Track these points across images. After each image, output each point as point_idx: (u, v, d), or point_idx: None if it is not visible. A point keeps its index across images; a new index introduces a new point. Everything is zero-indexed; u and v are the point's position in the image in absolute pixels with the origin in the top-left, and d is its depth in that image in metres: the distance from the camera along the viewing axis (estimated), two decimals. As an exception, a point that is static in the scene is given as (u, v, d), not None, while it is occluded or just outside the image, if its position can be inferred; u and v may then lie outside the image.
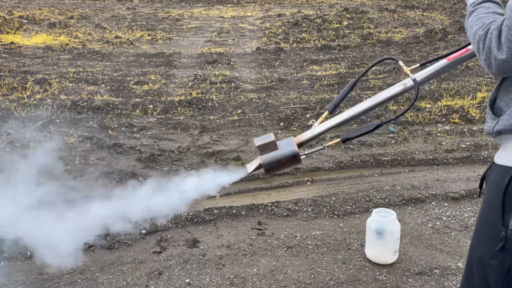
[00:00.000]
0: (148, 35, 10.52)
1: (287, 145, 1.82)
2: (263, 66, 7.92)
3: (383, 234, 2.81)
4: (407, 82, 1.78)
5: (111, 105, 5.66)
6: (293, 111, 5.53)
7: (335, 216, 3.42)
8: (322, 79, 6.96)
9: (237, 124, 5.25)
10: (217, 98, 6.10)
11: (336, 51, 8.84)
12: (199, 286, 2.70)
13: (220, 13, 14.10)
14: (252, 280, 2.74)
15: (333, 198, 3.62)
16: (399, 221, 2.94)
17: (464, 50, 1.69)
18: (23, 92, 6.10)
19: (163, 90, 6.43)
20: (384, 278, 2.75)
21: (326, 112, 1.94)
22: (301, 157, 1.82)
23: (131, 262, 2.88)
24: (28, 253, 2.90)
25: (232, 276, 2.77)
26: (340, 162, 4.26)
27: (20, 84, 6.33)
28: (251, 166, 1.87)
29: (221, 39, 10.26)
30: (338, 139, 1.85)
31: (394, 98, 1.84)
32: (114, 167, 4.10)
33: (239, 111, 5.66)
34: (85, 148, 4.50)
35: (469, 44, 1.58)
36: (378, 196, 3.64)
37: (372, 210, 3.01)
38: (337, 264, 2.89)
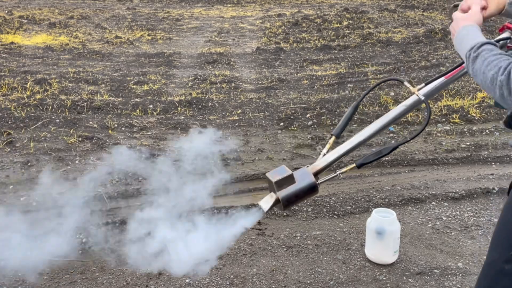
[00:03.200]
0: (148, 35, 10.52)
1: (304, 177, 1.75)
2: (263, 66, 7.92)
3: (383, 234, 2.81)
4: (412, 100, 1.80)
5: (111, 105, 5.66)
6: (293, 111, 5.53)
7: (335, 216, 3.42)
8: (322, 79, 6.96)
9: (237, 124, 5.25)
10: (217, 98, 6.10)
11: (336, 51, 8.84)
12: (199, 286, 2.70)
13: (220, 13, 14.09)
14: (252, 280, 2.74)
15: (333, 198, 3.63)
16: (399, 221, 2.94)
17: (459, 68, 1.75)
18: (23, 92, 6.10)
19: (163, 90, 6.43)
20: (384, 278, 2.75)
21: (333, 138, 1.89)
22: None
23: (131, 262, 2.88)
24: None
25: (232, 276, 2.77)
26: (340, 162, 4.25)
27: (20, 84, 6.33)
28: (266, 204, 1.75)
29: (221, 39, 10.26)
30: (353, 165, 1.80)
31: (401, 117, 1.84)
32: (115, 167, 4.10)
33: (239, 111, 5.66)
34: (85, 148, 4.50)
35: (463, 63, 1.56)
36: (378, 196, 3.64)
37: (372, 210, 3.01)
38: (337, 264, 2.89)
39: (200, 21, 12.64)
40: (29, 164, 4.13)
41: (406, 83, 1.79)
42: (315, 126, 5.15)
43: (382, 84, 6.57)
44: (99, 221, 3.23)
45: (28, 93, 6.06)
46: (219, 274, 2.78)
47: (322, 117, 5.30)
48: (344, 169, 1.79)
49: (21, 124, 4.99)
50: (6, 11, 12.98)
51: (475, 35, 1.52)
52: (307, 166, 1.81)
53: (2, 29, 10.44)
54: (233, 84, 6.75)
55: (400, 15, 12.56)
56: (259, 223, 3.31)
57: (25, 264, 2.47)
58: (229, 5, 15.54)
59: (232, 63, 8.04)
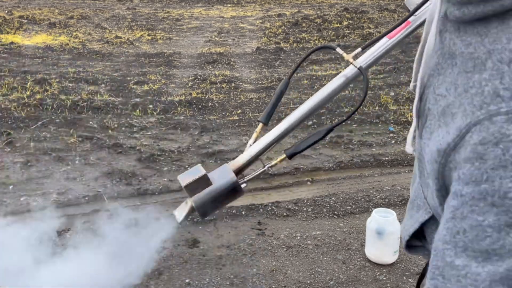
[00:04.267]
0: (148, 35, 10.52)
1: (222, 176, 1.44)
2: (263, 66, 7.92)
3: (383, 234, 2.81)
4: (350, 71, 1.44)
5: (111, 105, 5.66)
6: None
7: (335, 216, 3.42)
8: (322, 79, 6.96)
9: (237, 124, 5.24)
10: (217, 98, 6.10)
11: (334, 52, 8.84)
12: (199, 286, 2.70)
13: (220, 13, 14.09)
14: (252, 280, 2.74)
15: (333, 198, 3.63)
16: (399, 221, 2.94)
17: (404, 24, 1.36)
18: (23, 92, 6.10)
19: (163, 90, 6.43)
20: (384, 278, 2.75)
21: (260, 125, 1.56)
22: (242, 185, 1.46)
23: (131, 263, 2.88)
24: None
25: (232, 276, 2.77)
26: (340, 162, 4.26)
27: (20, 84, 6.33)
28: (180, 214, 1.44)
29: (221, 39, 10.26)
30: (283, 156, 1.49)
31: (338, 92, 1.50)
32: (114, 167, 4.10)
33: (239, 111, 5.66)
34: (85, 148, 4.50)
35: (409, 17, 1.23)
36: (378, 196, 3.64)
37: (372, 210, 3.01)
38: (337, 264, 2.89)
39: (200, 21, 12.64)
40: (29, 164, 4.13)
41: (338, 49, 1.44)
42: (315, 126, 5.15)
43: (382, 84, 6.58)
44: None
45: (28, 93, 6.06)
46: (219, 274, 2.78)
47: (322, 117, 5.30)
48: (273, 162, 1.50)
49: (21, 124, 4.99)
50: (6, 11, 12.98)
51: None
52: (228, 163, 1.50)
53: (2, 29, 10.45)
54: (233, 84, 6.75)
55: (400, 15, 12.56)
56: (259, 223, 3.32)
57: None
58: (229, 5, 15.54)
59: (232, 63, 8.04)
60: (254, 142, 1.52)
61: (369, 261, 2.90)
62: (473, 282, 0.60)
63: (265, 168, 1.50)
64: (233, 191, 1.45)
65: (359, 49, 1.38)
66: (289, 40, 9.84)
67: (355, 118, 5.20)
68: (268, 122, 1.59)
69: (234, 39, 10.29)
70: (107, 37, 10.09)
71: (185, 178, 1.40)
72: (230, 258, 2.93)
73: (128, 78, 6.97)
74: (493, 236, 0.59)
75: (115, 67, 7.71)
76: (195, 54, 8.83)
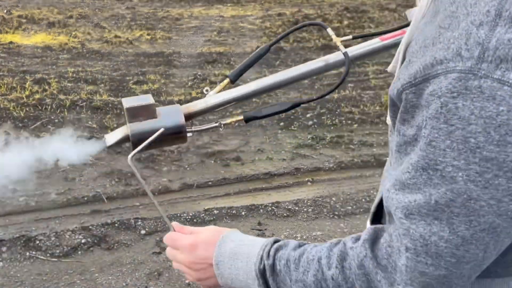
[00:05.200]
0: (148, 34, 10.50)
1: (170, 114, 1.31)
2: (263, 65, 7.90)
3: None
4: (333, 58, 1.40)
5: (110, 105, 5.64)
6: (293, 111, 5.52)
7: (335, 216, 3.40)
8: (322, 79, 6.94)
9: (237, 124, 5.22)
10: (217, 98, 6.08)
11: (336, 51, 8.82)
12: (199, 286, 2.68)
13: (220, 12, 14.07)
14: (252, 281, 2.72)
15: (333, 199, 3.61)
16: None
17: (400, 32, 1.33)
18: (22, 92, 6.08)
19: (162, 90, 6.41)
20: (385, 279, 2.74)
21: (227, 80, 1.47)
22: (188, 134, 1.34)
23: (130, 263, 2.87)
24: (27, 253, 2.88)
25: (232, 277, 2.75)
26: (341, 162, 4.24)
27: (19, 84, 6.30)
28: (112, 137, 1.31)
29: (221, 39, 10.25)
30: (240, 117, 1.38)
31: (313, 75, 1.45)
32: (113, 167, 4.08)
33: (239, 111, 5.64)
34: (84, 148, 4.48)
35: (407, 25, 1.16)
36: (379, 197, 3.63)
37: (373, 211, 2.99)
38: (338, 265, 2.87)
39: (200, 20, 12.63)
40: (28, 164, 4.11)
41: (329, 30, 1.42)
42: (315, 126, 5.13)
43: (383, 84, 6.56)
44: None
45: (27, 92, 6.04)
46: (219, 275, 2.76)
47: (323, 117, 5.28)
48: (228, 120, 1.39)
49: (20, 124, 4.97)
50: (5, 11, 12.96)
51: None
52: (179, 105, 1.38)
53: (1, 29, 10.43)
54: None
55: (401, 14, 12.54)
56: (259, 223, 3.30)
57: None
58: (229, 5, 15.52)
59: (232, 62, 8.02)
60: (215, 94, 1.42)
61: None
62: (392, 203, 0.72)
63: (217, 124, 1.38)
64: (176, 134, 1.32)
65: (350, 36, 1.37)
66: (289, 40, 9.83)
67: (356, 118, 5.18)
68: (236, 81, 1.49)
69: (234, 39, 10.27)
70: (106, 37, 10.07)
71: (131, 101, 1.26)
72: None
73: (127, 78, 6.95)
74: (411, 173, 0.68)
75: (114, 67, 7.70)
76: (195, 53, 8.81)
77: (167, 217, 1.10)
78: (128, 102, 1.24)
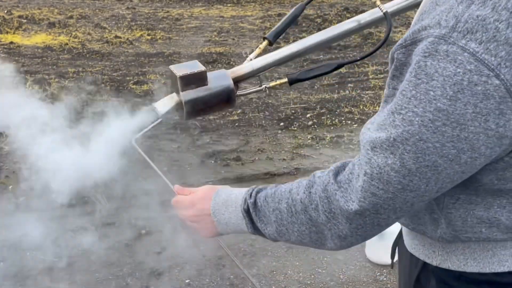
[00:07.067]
0: (148, 34, 10.52)
1: (219, 79, 1.30)
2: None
3: (383, 235, 2.79)
4: (365, 17, 1.40)
5: (110, 105, 5.65)
6: (293, 111, 5.53)
7: (335, 216, 3.41)
8: (322, 79, 6.95)
9: (237, 124, 5.24)
10: (217, 98, 6.09)
11: (336, 51, 8.84)
12: (199, 286, 2.69)
13: (220, 12, 14.09)
14: (252, 280, 2.73)
15: (333, 198, 3.62)
16: (400, 222, 2.93)
17: None
18: (23, 92, 6.09)
19: (162, 90, 6.42)
20: (385, 279, 2.75)
21: (266, 42, 1.43)
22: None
23: (130, 263, 2.88)
24: (28, 253, 2.89)
25: (232, 276, 2.76)
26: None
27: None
28: (163, 107, 1.30)
29: (221, 39, 10.26)
30: (285, 79, 1.36)
31: (346, 35, 1.43)
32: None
33: (239, 111, 5.65)
34: (84, 148, 4.49)
35: None
36: (379, 196, 3.64)
37: (372, 210, 3.00)
38: (337, 264, 2.88)
39: (200, 20, 12.64)
40: (28, 164, 4.12)
41: None
42: (315, 126, 5.14)
43: (383, 84, 6.56)
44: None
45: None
46: (219, 274, 2.77)
47: (323, 117, 5.29)
48: (272, 83, 1.39)
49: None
50: (6, 11, 12.97)
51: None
52: (227, 70, 1.39)
53: (1, 29, 10.44)
54: (233, 84, 6.74)
55: (401, 14, 12.55)
56: (259, 223, 3.31)
57: None
58: (229, 5, 15.54)
59: (232, 63, 8.03)
60: (256, 58, 1.42)
61: (370, 261, 2.89)
62: (364, 137, 0.85)
63: (262, 87, 1.40)
64: (226, 98, 1.32)
65: None
66: (289, 40, 9.83)
67: (356, 118, 5.19)
68: (275, 42, 1.46)
69: (234, 39, 10.28)
70: (107, 37, 10.08)
71: (181, 69, 1.25)
72: (230, 259, 2.92)
73: (128, 78, 6.96)
74: (384, 116, 0.81)
75: (114, 67, 7.71)
76: (195, 54, 8.82)
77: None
78: (179, 70, 1.24)
